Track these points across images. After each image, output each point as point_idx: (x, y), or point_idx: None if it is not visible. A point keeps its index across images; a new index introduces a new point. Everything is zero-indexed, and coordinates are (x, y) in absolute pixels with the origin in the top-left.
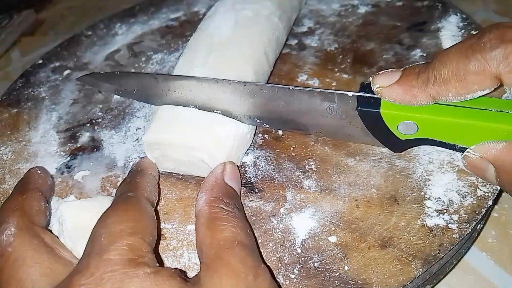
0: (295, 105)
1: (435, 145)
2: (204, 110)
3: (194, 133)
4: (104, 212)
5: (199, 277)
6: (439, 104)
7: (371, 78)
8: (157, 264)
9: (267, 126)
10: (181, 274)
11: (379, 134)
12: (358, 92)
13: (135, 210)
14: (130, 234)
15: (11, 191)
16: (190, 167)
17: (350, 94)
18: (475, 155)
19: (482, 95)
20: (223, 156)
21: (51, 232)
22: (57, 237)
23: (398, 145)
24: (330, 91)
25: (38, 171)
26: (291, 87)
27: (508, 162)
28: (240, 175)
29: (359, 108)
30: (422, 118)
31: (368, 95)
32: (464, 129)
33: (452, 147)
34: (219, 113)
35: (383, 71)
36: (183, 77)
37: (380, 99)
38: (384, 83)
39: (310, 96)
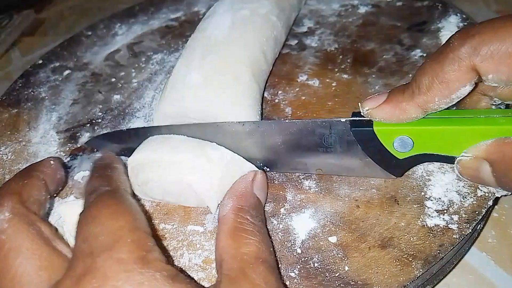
0: (292, 139)
1: (433, 161)
2: None
3: (184, 154)
4: (87, 210)
5: None
6: (430, 118)
7: (359, 104)
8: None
9: (268, 169)
10: (196, 282)
11: (377, 156)
12: (350, 118)
13: (124, 203)
14: (132, 230)
15: None
16: (176, 197)
17: (343, 119)
18: (467, 157)
19: (468, 94)
20: (216, 178)
21: None
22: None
23: (398, 166)
24: (323, 120)
25: (51, 161)
26: (286, 121)
27: (500, 153)
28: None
29: (353, 129)
30: (415, 130)
31: (360, 118)
32: (457, 136)
33: (450, 160)
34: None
35: (369, 96)
36: (185, 125)
37: (371, 120)
38: (372, 105)
39: (305, 126)
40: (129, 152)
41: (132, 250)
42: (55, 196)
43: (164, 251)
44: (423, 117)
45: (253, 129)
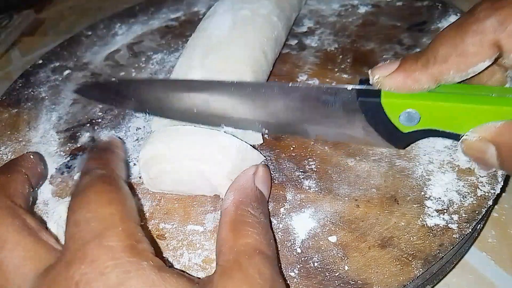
0: (294, 102)
1: (437, 136)
2: (202, 120)
3: (195, 143)
4: (81, 193)
5: (212, 280)
6: (440, 93)
7: (369, 71)
8: (153, 250)
9: (267, 131)
10: (186, 274)
11: (381, 128)
12: (357, 85)
13: (117, 190)
14: (122, 219)
15: None
16: (189, 186)
17: (349, 87)
18: (474, 136)
19: (484, 69)
20: (228, 164)
21: None
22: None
23: (401, 139)
24: (328, 86)
25: (31, 156)
26: (290, 84)
27: (508, 138)
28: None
29: (359, 99)
30: (424, 105)
31: (367, 87)
32: (465, 114)
33: (455, 137)
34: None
35: (380, 64)
36: (186, 81)
37: (380, 90)
38: (383, 73)
39: (309, 92)
40: (119, 103)
41: (121, 238)
42: (37, 189)
43: (157, 248)
44: (433, 92)
45: (255, 91)
